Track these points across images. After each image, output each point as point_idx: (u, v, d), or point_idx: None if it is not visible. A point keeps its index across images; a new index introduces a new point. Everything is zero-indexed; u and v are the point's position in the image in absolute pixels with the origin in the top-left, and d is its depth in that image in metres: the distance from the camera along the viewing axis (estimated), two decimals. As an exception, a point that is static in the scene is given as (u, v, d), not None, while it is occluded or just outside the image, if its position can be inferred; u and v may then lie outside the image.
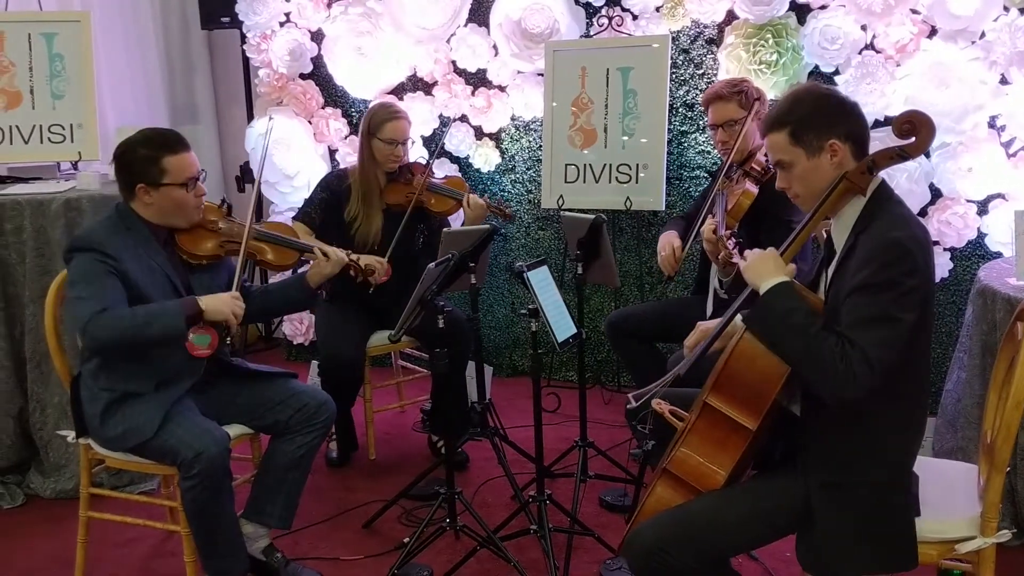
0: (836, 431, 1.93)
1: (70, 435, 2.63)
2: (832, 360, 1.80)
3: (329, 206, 3.40)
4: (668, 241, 3.15)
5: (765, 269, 1.95)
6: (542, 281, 2.54)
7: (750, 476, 2.14)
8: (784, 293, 1.91)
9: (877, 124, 3.46)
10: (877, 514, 1.91)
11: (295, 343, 4.67)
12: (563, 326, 2.57)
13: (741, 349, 1.97)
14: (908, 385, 1.93)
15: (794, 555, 2.04)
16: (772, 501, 1.98)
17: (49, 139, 3.61)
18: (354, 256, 2.88)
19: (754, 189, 3.00)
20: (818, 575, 2.00)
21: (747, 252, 2.05)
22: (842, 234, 1.99)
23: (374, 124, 3.37)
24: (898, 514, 1.93)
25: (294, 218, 3.45)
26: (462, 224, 3.44)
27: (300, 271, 2.92)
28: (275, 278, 4.24)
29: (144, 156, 2.46)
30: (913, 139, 1.92)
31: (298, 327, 4.61)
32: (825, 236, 2.12)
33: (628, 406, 2.22)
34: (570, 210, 3.52)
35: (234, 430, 2.60)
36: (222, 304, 2.43)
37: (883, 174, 3.55)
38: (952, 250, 3.60)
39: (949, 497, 2.06)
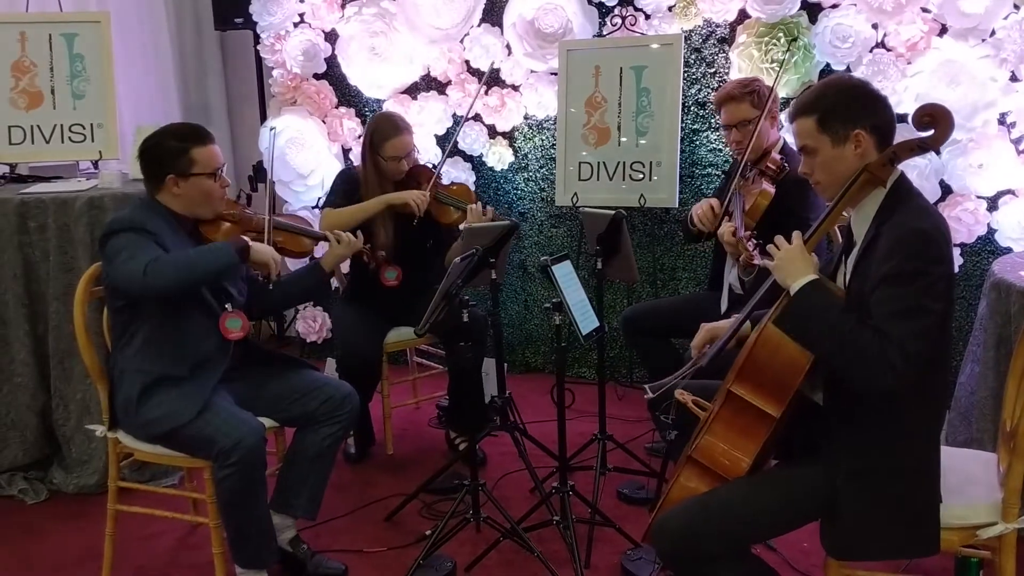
0: (861, 419, 1.96)
1: (99, 429, 2.66)
2: (870, 355, 1.83)
3: (351, 198, 3.43)
4: (706, 200, 3.17)
5: (795, 267, 1.97)
6: (566, 275, 2.58)
7: (772, 465, 2.18)
8: (816, 291, 1.94)
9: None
10: (902, 500, 1.95)
11: (308, 341, 4.70)
12: (587, 319, 2.61)
13: (765, 338, 2.01)
14: (932, 374, 1.96)
15: (811, 545, 2.08)
16: (798, 488, 2.01)
17: (70, 138, 3.65)
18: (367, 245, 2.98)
19: (771, 189, 3.02)
20: (843, 559, 2.04)
21: (770, 246, 2.08)
22: (862, 225, 2.02)
23: (376, 141, 3.36)
24: (922, 500, 1.96)
25: (323, 206, 3.48)
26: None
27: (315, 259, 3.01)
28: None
29: (174, 148, 2.54)
30: (933, 131, 1.95)
31: (311, 325, 4.65)
32: (839, 233, 2.16)
33: (646, 396, 2.25)
34: (589, 207, 3.55)
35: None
36: (265, 250, 2.60)
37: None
38: (962, 245, 3.64)
39: (969, 485, 2.09)
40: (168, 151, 2.54)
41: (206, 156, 2.55)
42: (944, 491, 1.99)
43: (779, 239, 2.05)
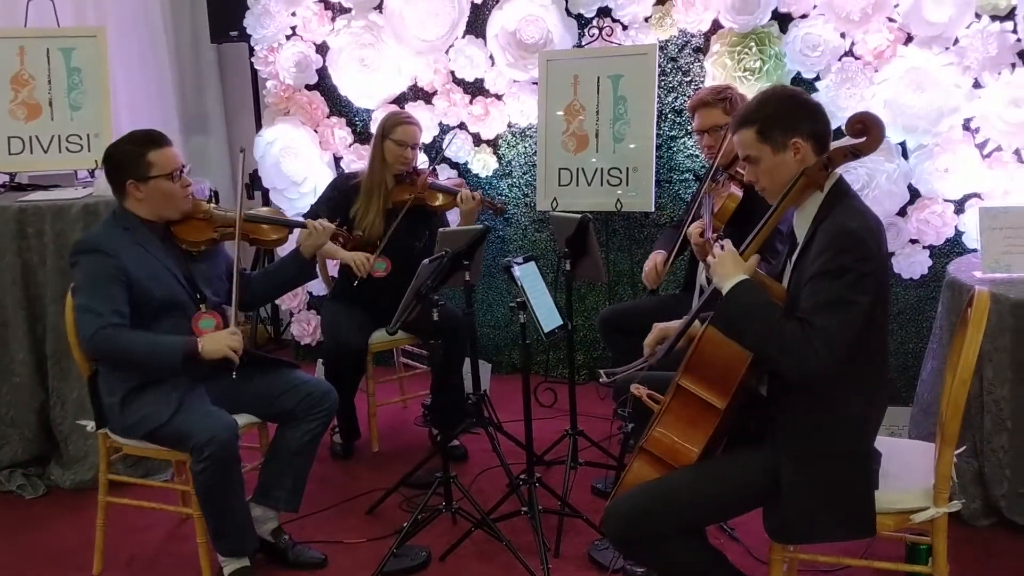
0: (801, 407, 2.07)
1: (89, 425, 2.80)
2: (792, 342, 1.95)
3: (337, 204, 3.58)
4: (652, 258, 3.33)
5: (725, 270, 2.10)
6: (529, 275, 2.70)
7: (721, 454, 2.28)
8: (743, 291, 2.06)
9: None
10: (839, 484, 2.06)
11: (303, 343, 4.84)
12: (549, 317, 2.73)
13: (709, 335, 2.13)
14: (866, 364, 2.07)
15: (773, 534, 2.18)
16: (742, 473, 2.13)
17: (67, 148, 3.80)
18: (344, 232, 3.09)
19: (739, 192, 3.14)
20: (784, 542, 2.16)
21: (709, 256, 2.20)
22: (803, 226, 2.14)
23: (388, 127, 3.59)
24: (858, 485, 2.07)
25: (306, 214, 3.64)
26: (459, 218, 3.65)
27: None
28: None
29: (131, 152, 2.64)
30: (865, 138, 2.07)
31: (306, 328, 4.78)
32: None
33: (601, 380, 2.37)
34: (565, 211, 3.68)
35: (242, 419, 2.75)
36: (219, 344, 2.58)
37: (864, 174, 3.70)
38: (931, 248, 3.74)
39: (907, 472, 2.20)
40: (125, 156, 2.64)
41: (162, 159, 2.64)
42: (881, 478, 2.10)
43: (715, 247, 2.18)
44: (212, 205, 2.85)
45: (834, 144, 2.13)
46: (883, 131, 2.07)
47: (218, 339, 2.60)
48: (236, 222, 2.77)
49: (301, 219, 3.04)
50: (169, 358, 2.55)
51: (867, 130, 2.06)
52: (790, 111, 2.12)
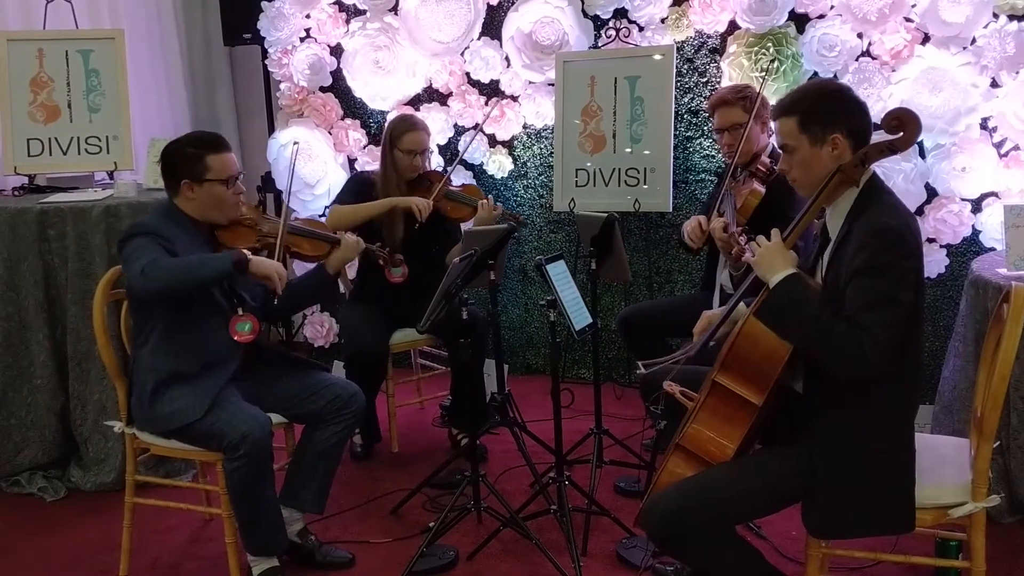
0: (838, 403, 2.07)
1: (117, 425, 2.79)
2: (844, 344, 1.95)
3: (359, 200, 3.57)
4: (695, 218, 3.31)
5: (774, 262, 2.09)
6: (560, 274, 2.71)
7: (757, 450, 2.29)
8: (794, 285, 2.05)
9: (874, 127, 3.62)
10: (878, 480, 2.06)
11: (316, 345, 4.83)
12: (580, 316, 2.73)
13: (747, 330, 2.13)
14: (905, 360, 2.07)
15: (799, 533, 2.18)
16: (779, 470, 2.13)
17: (86, 150, 3.80)
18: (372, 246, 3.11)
19: (761, 188, 3.15)
20: (824, 537, 2.16)
21: (752, 244, 2.20)
22: (837, 222, 2.14)
23: (394, 136, 3.54)
24: (898, 480, 2.07)
25: (332, 203, 3.64)
26: (472, 226, 3.61)
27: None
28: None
29: (190, 154, 2.67)
30: (901, 134, 2.07)
31: (319, 330, 4.78)
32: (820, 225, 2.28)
33: (638, 372, 2.37)
34: (584, 211, 3.68)
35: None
36: (268, 263, 2.62)
37: (881, 173, 3.71)
38: (948, 247, 3.76)
39: (942, 468, 2.20)
40: (184, 157, 2.68)
41: (220, 163, 2.68)
42: (917, 473, 2.10)
43: (760, 238, 2.17)
44: (259, 212, 2.89)
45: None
46: (919, 127, 2.07)
47: (267, 260, 2.64)
48: (279, 232, 2.83)
49: (336, 235, 3.06)
50: (220, 263, 2.53)
51: (903, 126, 2.07)
52: (834, 106, 2.12)
